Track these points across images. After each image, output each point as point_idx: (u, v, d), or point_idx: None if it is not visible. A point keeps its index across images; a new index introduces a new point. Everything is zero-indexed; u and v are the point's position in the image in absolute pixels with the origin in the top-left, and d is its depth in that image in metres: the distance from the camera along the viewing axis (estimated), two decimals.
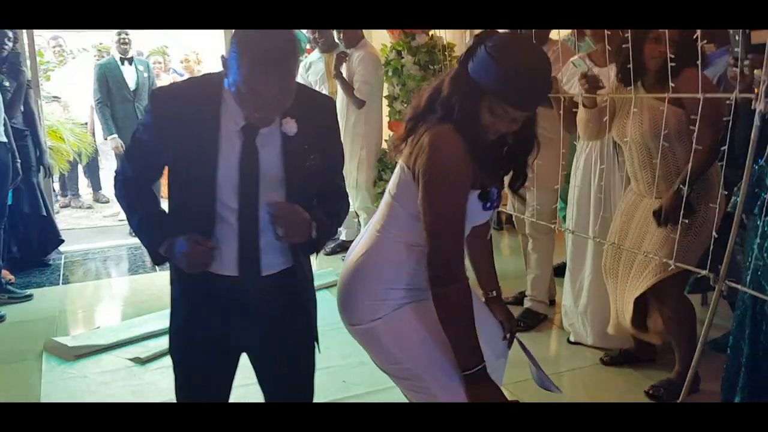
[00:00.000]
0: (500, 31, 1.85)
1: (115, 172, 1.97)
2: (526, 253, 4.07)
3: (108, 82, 6.11)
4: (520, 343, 2.23)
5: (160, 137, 1.82)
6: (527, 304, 4.00)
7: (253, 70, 1.66)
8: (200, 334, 1.93)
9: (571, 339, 3.67)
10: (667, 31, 2.66)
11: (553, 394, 2.66)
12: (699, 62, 2.53)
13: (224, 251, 1.85)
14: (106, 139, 6.27)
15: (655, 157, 2.89)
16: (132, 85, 6.18)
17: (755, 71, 2.29)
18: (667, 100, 2.72)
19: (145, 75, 6.32)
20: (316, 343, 2.05)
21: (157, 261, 1.93)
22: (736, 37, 2.42)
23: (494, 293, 2.21)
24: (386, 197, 2.01)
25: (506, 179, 2.04)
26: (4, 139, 4.30)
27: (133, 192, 1.94)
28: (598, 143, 3.38)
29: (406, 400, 2.07)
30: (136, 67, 6.23)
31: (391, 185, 2.00)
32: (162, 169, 1.96)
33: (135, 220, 1.93)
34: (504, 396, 1.88)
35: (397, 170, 1.97)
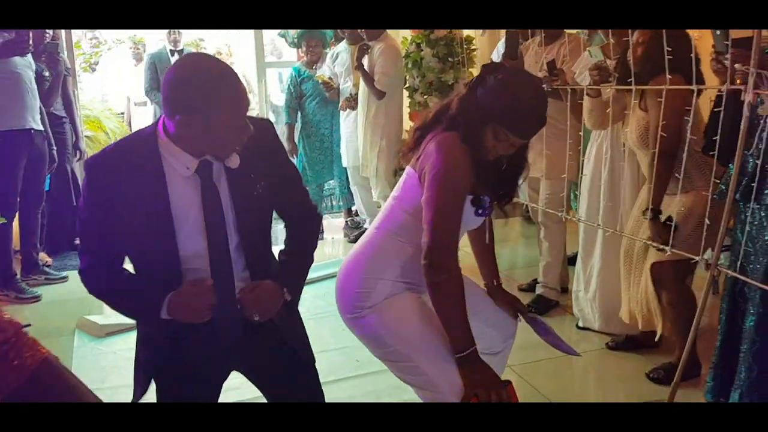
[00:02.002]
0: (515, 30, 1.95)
1: (80, 270, 1.84)
2: (539, 241, 4.18)
3: (157, 71, 6.43)
4: (533, 320, 2.35)
5: (108, 209, 1.74)
6: (539, 290, 4.11)
7: (228, 98, 1.67)
8: (183, 371, 1.90)
9: (580, 324, 3.77)
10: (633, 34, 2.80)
11: (556, 382, 2.78)
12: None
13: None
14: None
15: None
16: None
17: (736, 65, 2.37)
18: (662, 105, 2.82)
19: None
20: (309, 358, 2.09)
21: (163, 331, 1.84)
22: (717, 32, 2.50)
23: (495, 282, 2.38)
24: (389, 201, 2.20)
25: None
26: (41, 128, 4.47)
27: (107, 280, 1.82)
28: (609, 134, 3.47)
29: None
30: None
31: (394, 189, 2.18)
32: (124, 246, 1.82)
33: (123, 303, 1.84)
34: (496, 375, 2.01)
35: (403, 175, 2.16)
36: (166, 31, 6.50)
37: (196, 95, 1.65)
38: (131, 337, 3.69)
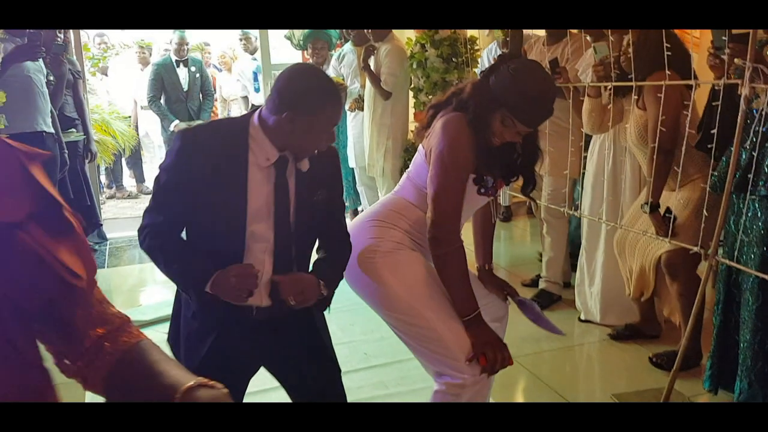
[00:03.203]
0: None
1: (142, 227, 1.94)
2: (542, 236, 4.25)
3: (163, 81, 6.63)
4: (521, 303, 2.43)
5: (189, 177, 1.87)
6: (542, 285, 4.18)
7: (333, 109, 1.89)
8: (223, 363, 1.96)
9: (582, 317, 3.84)
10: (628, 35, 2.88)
11: (560, 372, 2.82)
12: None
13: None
14: (170, 129, 6.65)
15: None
16: (185, 86, 6.67)
17: (735, 60, 2.45)
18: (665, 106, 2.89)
19: (197, 75, 6.78)
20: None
21: (202, 300, 1.92)
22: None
23: (487, 267, 2.48)
24: (404, 176, 2.34)
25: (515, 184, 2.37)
26: (52, 130, 4.55)
27: (167, 240, 1.92)
28: (610, 132, 3.54)
29: (421, 370, 2.29)
30: (189, 68, 6.66)
31: (410, 166, 2.31)
32: (191, 214, 1.94)
33: (174, 266, 1.92)
34: (497, 335, 2.12)
35: (416, 154, 2.28)
36: (176, 44, 6.66)
37: (311, 99, 1.85)
38: (144, 334, 3.82)
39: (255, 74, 7.00)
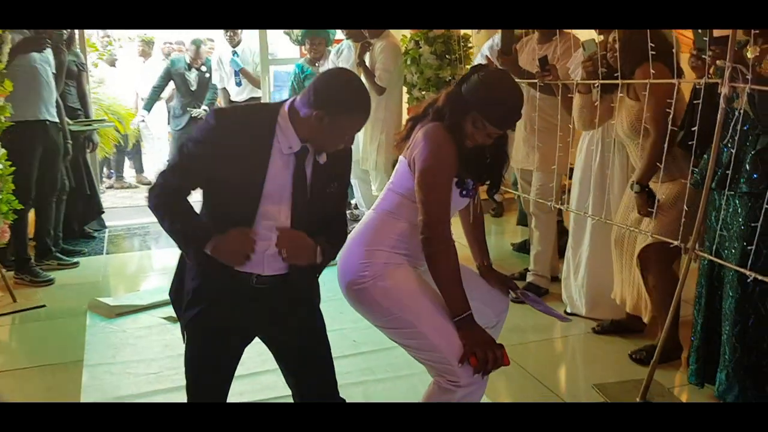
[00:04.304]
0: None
1: (155, 185, 2.08)
2: (530, 230, 4.33)
3: (173, 78, 7.06)
4: (524, 294, 2.52)
5: (215, 152, 2.00)
6: (529, 278, 4.26)
7: (361, 117, 2.05)
8: (216, 324, 2.11)
9: (568, 310, 3.92)
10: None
11: (545, 363, 2.91)
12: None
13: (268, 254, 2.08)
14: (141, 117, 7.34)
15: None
16: (193, 86, 7.04)
17: (717, 61, 2.53)
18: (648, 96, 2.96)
19: (207, 75, 7.09)
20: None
21: (198, 259, 2.04)
22: (699, 31, 2.65)
23: (486, 263, 2.58)
24: (384, 189, 2.44)
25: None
26: (56, 120, 4.63)
27: (174, 201, 2.06)
28: (600, 128, 3.61)
29: (406, 357, 2.37)
30: (199, 69, 7.01)
31: (390, 178, 2.42)
32: (207, 186, 2.09)
33: (177, 225, 2.04)
34: (490, 336, 2.19)
35: (397, 165, 2.40)
36: (191, 54, 7.03)
37: (343, 105, 2.01)
38: (141, 318, 3.93)
39: (236, 72, 7.00)
